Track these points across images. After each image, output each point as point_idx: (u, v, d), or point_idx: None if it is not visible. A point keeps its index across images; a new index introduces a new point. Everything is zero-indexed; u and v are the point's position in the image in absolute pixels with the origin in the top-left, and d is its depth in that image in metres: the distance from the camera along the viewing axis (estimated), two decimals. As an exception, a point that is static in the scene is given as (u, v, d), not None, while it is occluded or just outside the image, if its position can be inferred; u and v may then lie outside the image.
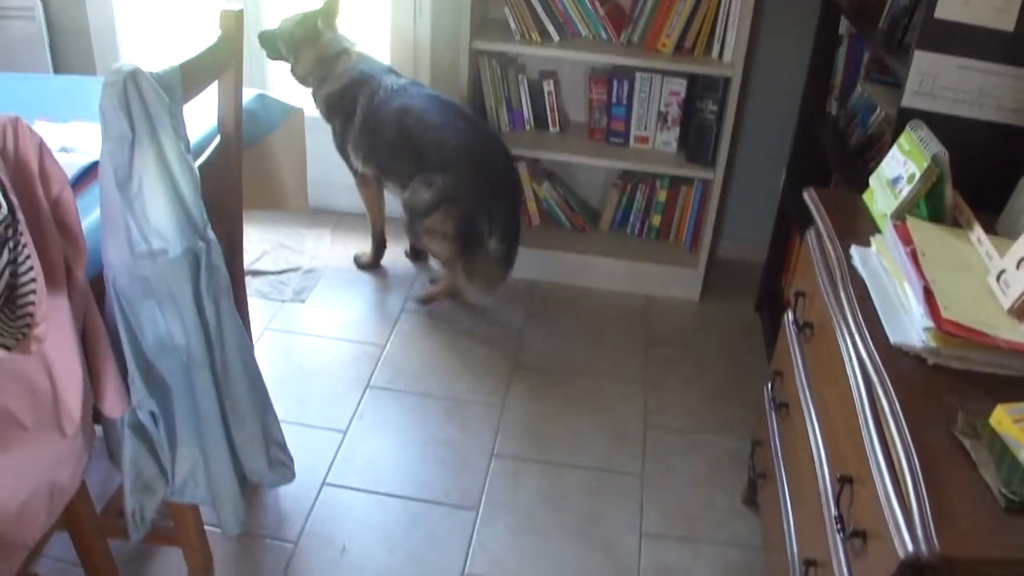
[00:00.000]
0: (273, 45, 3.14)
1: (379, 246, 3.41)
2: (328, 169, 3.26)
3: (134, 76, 1.52)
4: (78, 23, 3.57)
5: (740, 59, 2.98)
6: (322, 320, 3.15)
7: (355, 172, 3.20)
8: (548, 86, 3.33)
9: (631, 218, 3.48)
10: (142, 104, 1.54)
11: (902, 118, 1.97)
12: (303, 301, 3.23)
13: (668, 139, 3.27)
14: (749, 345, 3.10)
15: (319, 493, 2.45)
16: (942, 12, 1.90)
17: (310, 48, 3.09)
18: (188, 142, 1.68)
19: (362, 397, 2.80)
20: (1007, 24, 1.89)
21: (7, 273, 1.28)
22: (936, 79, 1.96)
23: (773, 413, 2.11)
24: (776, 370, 2.14)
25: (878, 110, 2.40)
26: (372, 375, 2.89)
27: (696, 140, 3.18)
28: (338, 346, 3.03)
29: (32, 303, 1.29)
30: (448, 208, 2.90)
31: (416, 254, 3.45)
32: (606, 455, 2.64)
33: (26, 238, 1.29)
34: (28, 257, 1.30)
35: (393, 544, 2.32)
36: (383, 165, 3.06)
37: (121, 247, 1.61)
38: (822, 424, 1.74)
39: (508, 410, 2.78)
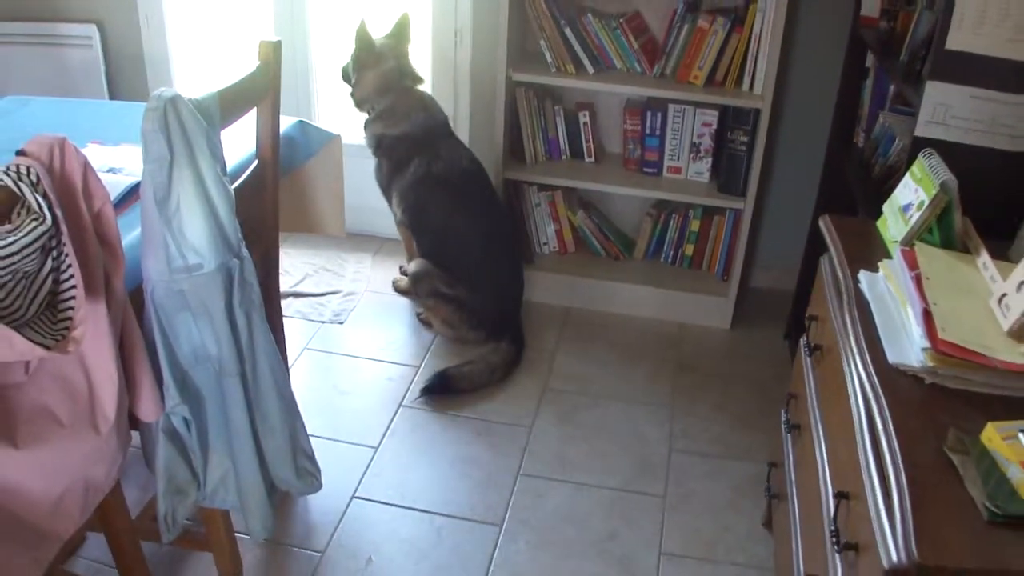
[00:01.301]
0: (347, 66, 3.19)
1: None
2: (369, 196, 3.35)
3: (174, 102, 1.62)
4: (133, 52, 3.74)
5: (770, 91, 3.04)
6: (359, 341, 3.24)
7: (395, 215, 3.29)
8: (584, 117, 3.41)
9: (665, 247, 3.54)
10: (181, 128, 1.64)
11: (916, 147, 2.02)
12: (342, 323, 3.33)
13: (700, 169, 3.33)
14: (777, 373, 3.13)
15: (348, 505, 2.53)
16: (953, 43, 1.95)
17: (372, 72, 3.13)
18: (224, 164, 1.78)
19: (395, 415, 2.88)
20: (1018, 54, 1.93)
21: (50, 280, 1.38)
22: (949, 109, 2.01)
23: (787, 435, 2.15)
24: (791, 393, 2.19)
25: (897, 140, 2.45)
26: (405, 395, 2.98)
27: (727, 170, 3.24)
28: (374, 366, 3.12)
29: (72, 308, 1.39)
30: (461, 311, 3.12)
31: None
32: (630, 477, 2.69)
33: (68, 249, 1.39)
34: (70, 266, 1.40)
35: (418, 557, 2.39)
36: (417, 231, 3.20)
37: (159, 261, 1.71)
38: (827, 444, 1.78)
39: (536, 431, 2.84)
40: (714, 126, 3.26)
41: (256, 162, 2.11)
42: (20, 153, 1.40)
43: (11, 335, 1.27)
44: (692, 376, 3.17)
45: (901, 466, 1.35)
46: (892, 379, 1.55)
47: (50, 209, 1.36)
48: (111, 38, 3.74)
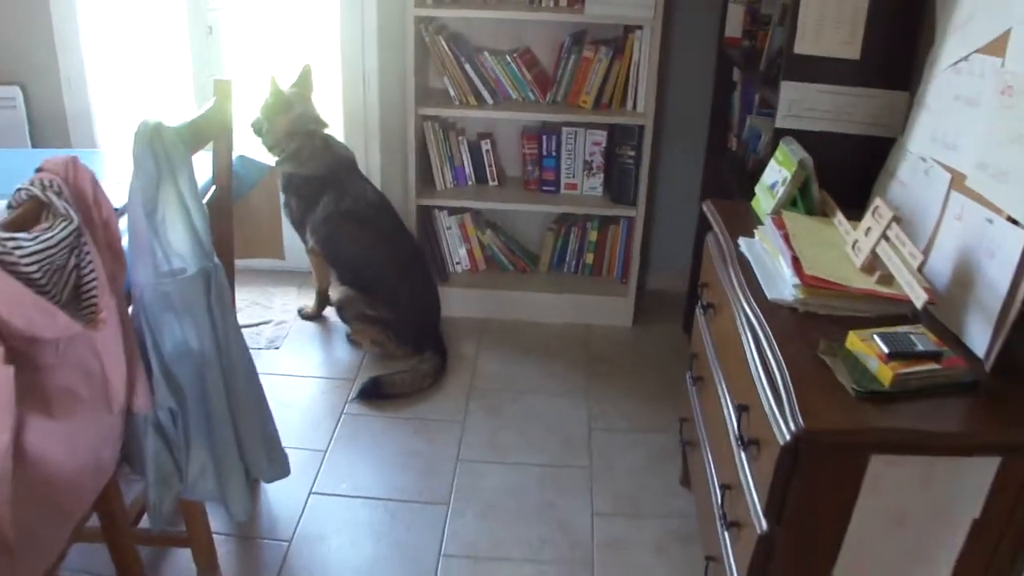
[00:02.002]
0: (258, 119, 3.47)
1: (323, 302, 3.80)
2: (292, 235, 3.62)
3: (158, 128, 1.91)
4: (56, 110, 3.93)
5: (651, 109, 3.44)
6: (296, 363, 3.50)
7: (306, 244, 3.58)
8: (486, 145, 3.76)
9: (567, 257, 3.90)
10: (164, 151, 1.92)
11: (777, 137, 2.42)
12: (277, 348, 3.58)
13: (594, 184, 3.71)
14: (678, 359, 3.47)
15: (307, 500, 2.78)
16: (800, 48, 2.36)
17: (282, 118, 3.42)
18: (196, 185, 2.06)
19: (338, 422, 3.15)
20: (853, 54, 2.35)
21: (75, 274, 1.65)
22: (801, 103, 2.41)
23: (693, 388, 2.50)
24: (693, 352, 2.55)
25: (763, 137, 2.85)
26: (345, 404, 3.25)
27: (619, 183, 3.62)
28: (312, 382, 3.38)
29: (95, 296, 1.66)
30: (387, 330, 3.44)
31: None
32: (558, 454, 3.00)
33: (89, 247, 1.66)
34: (91, 261, 1.66)
35: (376, 537, 2.65)
36: (334, 262, 3.51)
37: (147, 267, 1.97)
38: (726, 379, 2.14)
39: (468, 425, 3.14)
40: (604, 144, 3.63)
41: (213, 188, 2.38)
42: (39, 170, 1.67)
43: (56, 311, 1.53)
44: (602, 367, 3.51)
45: (785, 370, 1.70)
46: (772, 312, 1.91)
47: (72, 213, 1.63)
48: (33, 98, 3.93)
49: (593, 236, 3.82)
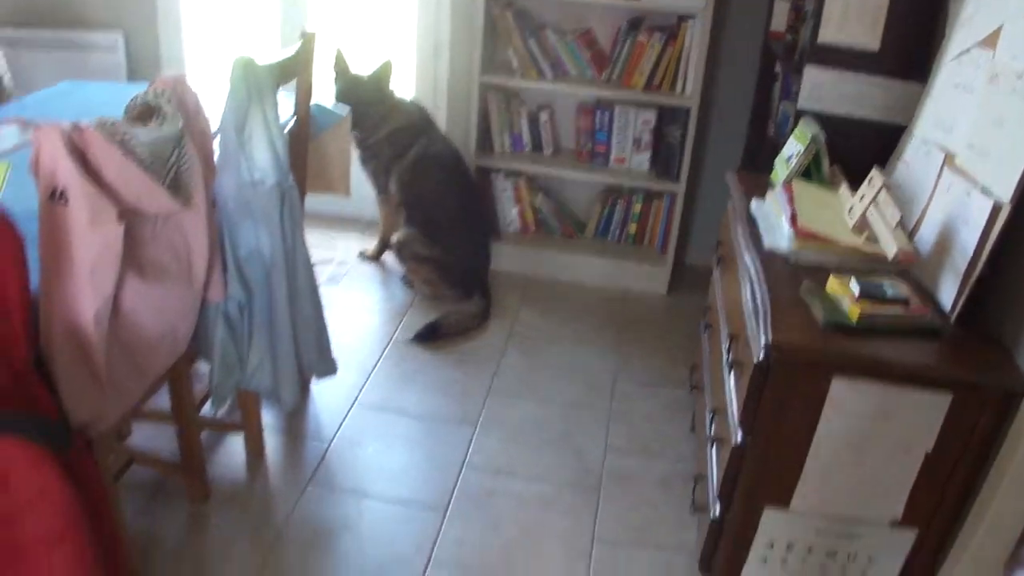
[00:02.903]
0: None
1: (383, 247, 4.15)
2: (358, 185, 3.94)
3: (251, 62, 2.23)
4: (151, 55, 4.30)
5: (698, 94, 3.70)
6: (352, 298, 3.83)
7: (383, 191, 3.91)
8: (544, 116, 4.04)
9: (612, 226, 4.18)
10: (256, 81, 2.24)
11: (797, 117, 2.67)
12: (336, 284, 3.92)
13: (641, 160, 3.98)
14: (704, 327, 3.76)
15: (349, 410, 3.10)
16: (824, 37, 2.61)
17: (377, 105, 3.76)
18: (279, 113, 2.37)
19: (385, 349, 3.47)
20: (873, 45, 2.59)
21: (175, 168, 1.97)
22: (822, 88, 2.66)
23: (704, 335, 2.78)
24: (707, 305, 2.82)
25: (790, 120, 3.10)
26: (393, 335, 3.57)
27: (664, 160, 3.89)
28: (365, 316, 3.71)
29: (191, 184, 1.98)
30: (439, 271, 3.76)
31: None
32: (582, 396, 3.29)
33: (188, 148, 1.98)
34: (189, 159, 1.98)
35: (410, 447, 2.96)
36: (409, 204, 3.82)
37: (232, 177, 2.30)
38: (727, 321, 2.41)
39: (504, 363, 3.44)
40: (653, 123, 3.90)
41: (293, 121, 2.71)
42: (154, 83, 2.00)
43: (160, 190, 1.86)
44: (634, 328, 3.79)
45: (768, 303, 1.97)
46: (768, 260, 2.18)
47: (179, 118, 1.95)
48: (133, 43, 4.30)
49: (637, 208, 4.10)
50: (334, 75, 3.77)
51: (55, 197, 1.70)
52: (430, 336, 3.54)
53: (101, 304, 1.82)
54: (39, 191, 1.71)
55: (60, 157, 1.67)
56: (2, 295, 1.48)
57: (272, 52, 2.48)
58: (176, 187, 1.96)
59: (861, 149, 2.64)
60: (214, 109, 2.18)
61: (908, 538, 2.06)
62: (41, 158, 1.68)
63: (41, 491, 1.57)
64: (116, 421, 2.13)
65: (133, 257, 1.91)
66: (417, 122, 3.79)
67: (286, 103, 2.62)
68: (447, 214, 3.76)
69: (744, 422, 1.98)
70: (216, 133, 2.23)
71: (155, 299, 2.04)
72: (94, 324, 1.82)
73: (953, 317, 1.98)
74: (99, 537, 1.71)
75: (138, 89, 1.97)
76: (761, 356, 1.87)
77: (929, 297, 2.05)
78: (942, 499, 1.99)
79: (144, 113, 1.93)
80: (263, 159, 2.31)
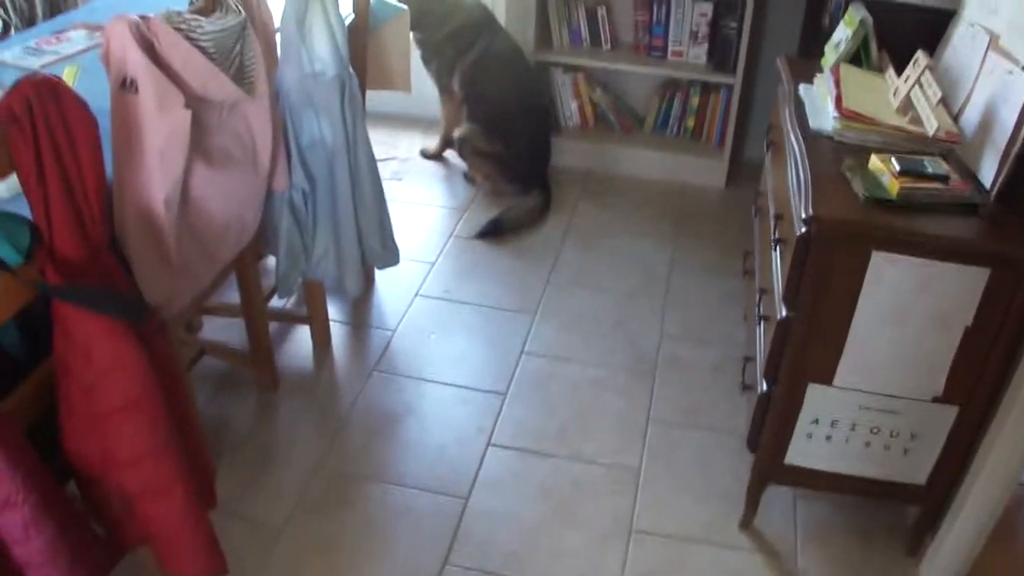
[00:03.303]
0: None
1: (445, 144, 4.22)
2: (420, 83, 4.00)
3: (310, -44, 2.30)
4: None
5: (755, -16, 3.69)
6: (415, 193, 3.94)
7: (446, 89, 3.97)
8: (601, 10, 4.06)
9: (670, 121, 4.20)
10: (314, -27, 2.31)
11: (848, 2, 2.67)
12: (400, 180, 4.02)
13: (699, 52, 3.98)
14: (761, 219, 3.80)
15: (413, 300, 3.23)
16: (878, -77, 2.59)
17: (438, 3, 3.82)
18: (339, 6, 2.44)
19: (447, 242, 3.58)
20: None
21: (239, 58, 2.06)
22: (875, -26, 2.65)
23: (755, 219, 2.83)
24: (758, 191, 2.87)
25: (843, 7, 3.08)
26: (455, 228, 3.67)
27: (721, 52, 3.89)
28: (428, 210, 3.81)
29: (255, 76, 2.08)
30: (500, 166, 3.83)
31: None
32: (638, 285, 3.37)
33: (252, 39, 2.07)
34: (253, 50, 2.07)
35: (470, 334, 3.08)
36: (471, 99, 3.88)
37: (294, 69, 2.38)
38: (774, 201, 2.46)
39: (562, 254, 3.53)
40: (709, 15, 3.89)
41: (352, 15, 2.78)
42: (215, -24, 2.08)
43: (225, 78, 1.95)
44: (690, 221, 3.84)
45: (810, 179, 2.03)
46: (813, 140, 2.22)
47: (239, 9, 2.04)
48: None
49: (695, 102, 4.11)
50: None
51: (125, 86, 1.80)
52: (492, 232, 3.64)
53: (171, 188, 1.93)
54: (110, 80, 1.81)
55: (129, 47, 1.77)
56: (80, 176, 1.59)
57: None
58: (240, 76, 2.06)
59: (911, 35, 2.62)
60: (276, 2, 2.26)
61: (950, 414, 2.12)
62: (111, 49, 1.78)
63: (118, 361, 1.71)
64: (187, 304, 2.27)
65: (200, 144, 2.02)
66: (479, 20, 3.83)
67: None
68: (508, 110, 3.82)
69: (788, 297, 2.04)
70: (278, 27, 2.32)
71: (222, 186, 2.15)
72: (164, 208, 1.94)
73: (993, 194, 2.01)
74: (174, 411, 1.85)
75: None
76: (803, 229, 1.92)
77: (971, 175, 2.08)
78: (982, 374, 2.04)
79: (208, 6, 2.02)
80: (323, 51, 2.39)
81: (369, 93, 2.98)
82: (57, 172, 1.54)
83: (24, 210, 1.61)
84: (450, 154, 4.19)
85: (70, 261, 1.61)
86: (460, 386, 2.85)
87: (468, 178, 4.00)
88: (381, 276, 3.29)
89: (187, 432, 1.91)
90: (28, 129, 1.49)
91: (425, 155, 4.23)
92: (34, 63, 2.53)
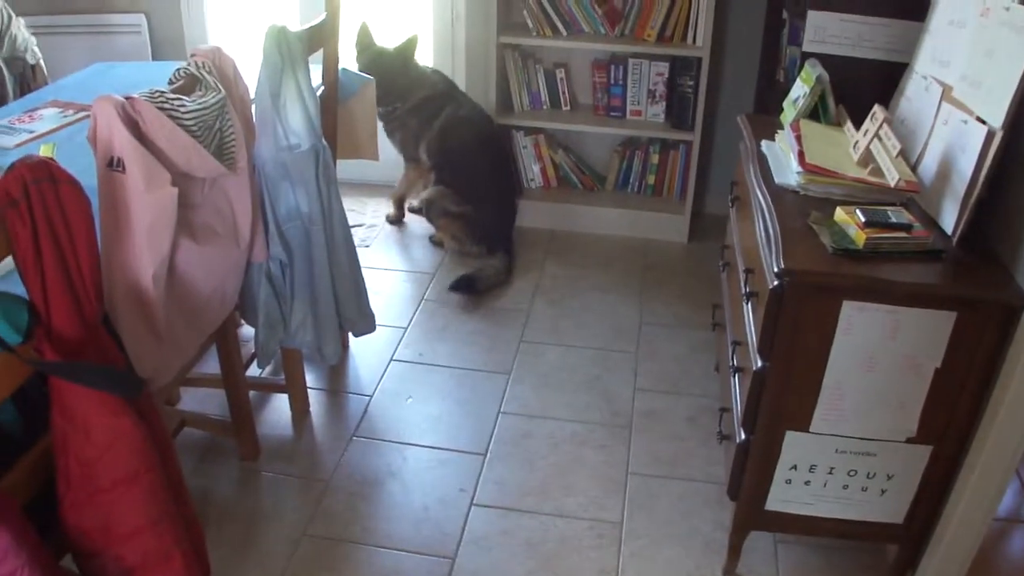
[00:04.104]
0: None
1: (400, 208, 4.35)
2: (383, 153, 4.07)
3: (284, 30, 2.36)
4: (175, 37, 4.44)
5: (708, 43, 3.80)
6: (383, 259, 3.98)
7: (412, 159, 4.06)
8: (560, 73, 4.16)
9: (631, 178, 4.30)
10: (288, 48, 2.37)
11: (803, 60, 2.78)
12: (368, 247, 4.06)
13: (657, 111, 4.09)
14: (725, 270, 3.88)
15: (387, 366, 3.26)
16: (826, -18, 2.71)
17: (402, 78, 3.91)
18: (311, 78, 2.50)
19: (418, 307, 3.62)
20: (873, -13, 2.69)
21: (219, 135, 2.11)
22: (825, 30, 2.76)
23: (723, 274, 2.90)
24: (724, 244, 2.95)
25: (798, 64, 3.20)
26: (425, 293, 3.71)
27: (679, 110, 4.00)
28: (398, 275, 3.86)
29: (235, 151, 2.12)
30: (467, 226, 3.91)
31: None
32: (609, 340, 3.43)
33: (231, 115, 2.12)
34: (232, 125, 2.12)
35: (446, 395, 3.12)
36: (439, 166, 3.96)
37: (270, 142, 2.43)
38: (742, 256, 2.53)
39: (532, 313, 3.59)
40: (666, 74, 4.01)
41: (322, 87, 2.84)
42: (193, 55, 2.13)
43: (207, 155, 2.00)
44: (656, 274, 3.92)
45: (779, 232, 2.10)
46: (779, 195, 2.30)
47: (219, 86, 2.09)
48: (156, 25, 4.44)
49: (655, 159, 4.21)
50: (357, 51, 3.89)
51: (113, 165, 1.84)
52: (466, 287, 3.69)
53: (159, 264, 1.97)
54: (97, 160, 1.85)
55: (115, 127, 1.81)
56: (75, 255, 1.62)
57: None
58: (220, 152, 2.10)
59: (865, 88, 2.72)
60: (248, 78, 2.31)
61: (924, 453, 2.18)
62: (98, 128, 1.82)
63: (117, 435, 1.73)
64: (175, 375, 2.29)
65: (185, 221, 2.06)
66: (442, 90, 3.93)
67: (315, 71, 2.75)
68: (478, 172, 3.91)
69: (763, 349, 2.10)
70: (252, 101, 2.37)
71: (206, 260, 2.18)
72: (153, 284, 1.97)
73: (955, 239, 2.09)
74: (168, 477, 1.86)
75: (165, 67, 2.11)
76: (775, 283, 1.99)
77: (932, 223, 2.16)
78: (953, 414, 2.10)
79: (188, 85, 2.07)
80: (298, 124, 2.44)
81: (338, 164, 3.03)
82: (54, 252, 1.57)
83: (15, 288, 1.63)
84: (411, 218, 4.25)
85: (67, 339, 1.63)
86: (440, 448, 2.88)
87: (434, 242, 4.05)
88: (355, 343, 3.32)
89: (180, 501, 1.92)
90: (25, 212, 1.52)
91: (390, 221, 4.28)
92: (8, 142, 2.56)
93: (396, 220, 4.30)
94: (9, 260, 1.58)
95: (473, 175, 3.90)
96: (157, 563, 1.81)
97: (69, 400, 1.64)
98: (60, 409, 1.65)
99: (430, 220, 4.00)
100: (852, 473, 2.22)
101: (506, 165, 4.08)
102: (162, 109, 1.89)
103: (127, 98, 1.84)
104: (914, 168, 2.29)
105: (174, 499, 1.87)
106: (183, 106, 1.95)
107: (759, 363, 2.13)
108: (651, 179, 4.26)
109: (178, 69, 2.10)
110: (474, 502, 2.66)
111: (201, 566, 2.01)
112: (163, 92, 1.93)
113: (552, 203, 4.23)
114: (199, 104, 1.99)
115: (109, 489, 1.73)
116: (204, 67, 2.09)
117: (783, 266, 1.96)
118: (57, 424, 1.67)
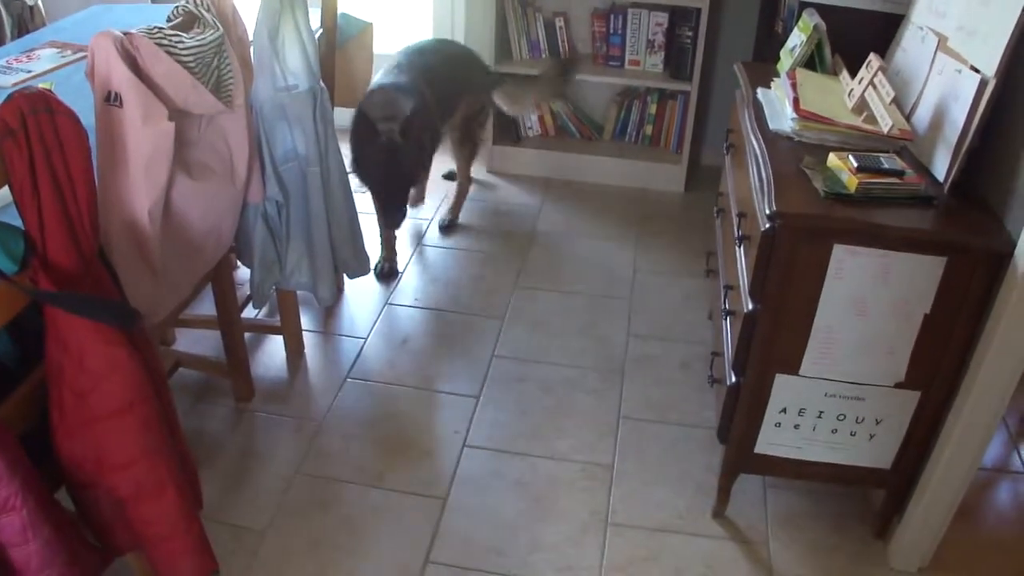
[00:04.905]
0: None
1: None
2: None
3: (282, -29, 2.36)
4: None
5: (708, -7, 3.80)
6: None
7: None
8: (559, 22, 4.14)
9: (628, 128, 4.30)
10: (286, -13, 2.37)
11: (801, 10, 2.77)
12: (364, 191, 4.05)
13: (655, 61, 4.08)
14: (720, 221, 3.89)
15: (383, 308, 3.28)
16: (828, -69, 2.70)
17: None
18: (310, 20, 2.50)
19: (415, 251, 3.64)
20: (876, -65, 2.68)
21: (217, 72, 2.11)
22: (825, -22, 2.76)
23: (717, 220, 2.92)
24: (719, 192, 2.96)
25: (796, 14, 3.19)
26: (422, 237, 3.74)
27: (677, 60, 3.99)
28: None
29: (232, 89, 2.13)
30: None
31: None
32: (604, 287, 3.45)
33: (229, 53, 2.12)
34: (230, 64, 2.13)
35: (441, 339, 3.14)
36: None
37: (268, 83, 2.43)
38: (736, 202, 2.55)
39: (528, 259, 3.61)
40: (665, 25, 4.00)
41: (321, 30, 2.83)
42: (192, -8, 2.13)
43: (205, 91, 2.00)
44: (652, 223, 3.94)
45: (772, 177, 2.11)
46: (773, 140, 2.31)
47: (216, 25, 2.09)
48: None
49: (652, 109, 4.21)
50: None
51: (110, 99, 1.85)
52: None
53: (155, 200, 1.98)
54: (95, 95, 1.86)
55: (114, 62, 1.82)
56: (72, 186, 1.63)
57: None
58: (218, 90, 2.11)
59: (862, 39, 2.72)
60: (248, 18, 2.31)
61: (912, 399, 2.20)
62: (96, 64, 1.83)
63: (112, 365, 1.75)
64: (170, 313, 2.31)
65: (181, 158, 2.07)
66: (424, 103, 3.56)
67: (314, 16, 2.75)
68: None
69: (754, 291, 2.12)
70: (251, 41, 2.37)
71: (202, 198, 2.19)
72: (149, 219, 1.98)
73: (946, 187, 2.10)
74: (162, 411, 1.89)
75: (164, 9, 2.11)
76: (767, 225, 2.01)
77: (925, 170, 2.17)
78: (942, 360, 2.12)
79: (186, 22, 2.07)
80: (296, 64, 2.44)
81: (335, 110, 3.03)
82: (50, 183, 1.58)
83: (13, 219, 1.64)
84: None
85: (63, 270, 1.65)
86: (433, 390, 2.91)
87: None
88: (351, 286, 3.34)
89: (174, 434, 1.95)
90: (23, 141, 1.53)
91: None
92: (5, 81, 2.56)
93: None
94: (6, 190, 1.60)
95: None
96: (150, 495, 1.84)
97: (64, 330, 1.66)
98: (55, 339, 1.67)
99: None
100: (841, 417, 2.25)
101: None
102: (160, 45, 1.89)
103: (125, 34, 1.84)
104: (908, 118, 2.29)
105: (168, 433, 1.89)
106: (181, 42, 1.95)
107: (750, 306, 2.15)
108: (648, 129, 4.27)
109: (177, 7, 2.10)
110: (467, 443, 2.69)
111: (194, 500, 2.05)
112: (161, 28, 1.93)
113: (549, 152, 4.23)
114: (197, 41, 2.00)
115: (103, 419, 1.75)
116: (203, 5, 2.09)
117: (775, 209, 1.98)
118: (52, 354, 1.69)
